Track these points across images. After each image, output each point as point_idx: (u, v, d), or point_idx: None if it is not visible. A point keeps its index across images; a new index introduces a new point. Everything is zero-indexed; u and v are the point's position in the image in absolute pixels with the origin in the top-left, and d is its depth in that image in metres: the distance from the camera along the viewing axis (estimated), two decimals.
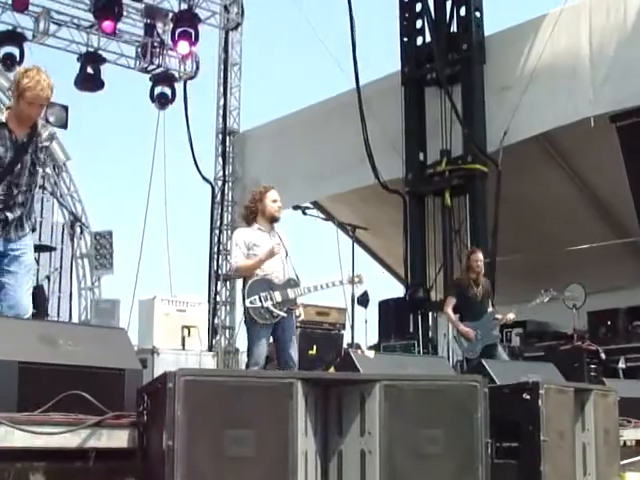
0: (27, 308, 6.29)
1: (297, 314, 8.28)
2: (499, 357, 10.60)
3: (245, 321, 8.15)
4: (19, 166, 6.15)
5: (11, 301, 6.21)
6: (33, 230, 6.46)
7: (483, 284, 10.98)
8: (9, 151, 6.09)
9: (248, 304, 7.97)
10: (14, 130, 6.13)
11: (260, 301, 7.96)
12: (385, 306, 15.11)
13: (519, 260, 14.47)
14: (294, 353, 8.13)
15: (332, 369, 8.72)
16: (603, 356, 12.43)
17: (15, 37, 15.64)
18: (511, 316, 10.90)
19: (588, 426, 5.81)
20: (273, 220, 8.28)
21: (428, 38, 15.25)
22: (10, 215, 6.18)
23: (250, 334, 8.11)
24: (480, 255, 11.04)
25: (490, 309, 10.92)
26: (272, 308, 7.95)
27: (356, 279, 8.73)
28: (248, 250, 8.10)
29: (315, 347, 12.34)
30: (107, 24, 15.67)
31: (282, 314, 7.98)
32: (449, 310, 11.00)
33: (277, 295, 8.00)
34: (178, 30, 16.33)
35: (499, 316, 10.84)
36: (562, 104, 13.19)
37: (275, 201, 8.27)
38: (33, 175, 6.28)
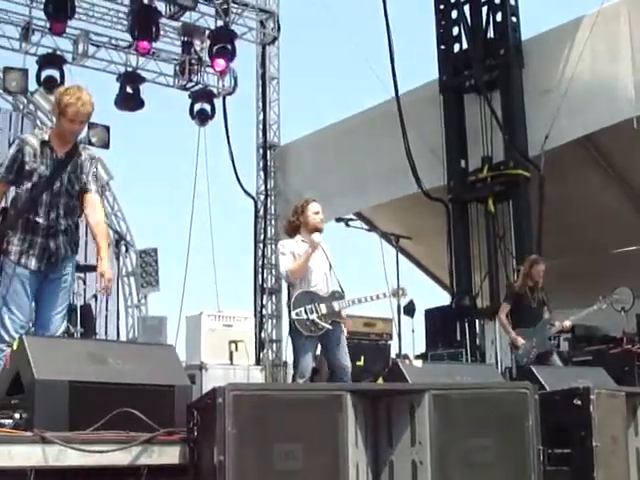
0: (58, 329, 6.33)
1: (344, 327, 8.27)
2: (554, 365, 10.51)
3: (290, 333, 8.17)
4: (58, 184, 6.20)
5: (42, 320, 6.27)
6: (74, 253, 6.50)
7: (539, 291, 10.89)
8: (49, 168, 6.16)
9: (294, 316, 7.99)
10: (56, 149, 6.21)
11: (305, 313, 7.96)
12: (431, 315, 15.05)
13: (565, 264, 14.37)
14: (345, 360, 8.12)
15: (380, 380, 8.70)
16: None
17: (55, 60, 15.80)
18: (567, 323, 10.82)
19: None
20: (316, 232, 8.29)
21: (465, 45, 15.21)
22: (52, 244, 6.23)
23: (296, 346, 8.12)
24: (543, 266, 10.95)
25: (546, 316, 10.81)
26: (317, 320, 7.95)
27: (400, 292, 8.69)
28: (294, 259, 8.13)
29: (362, 358, 12.32)
30: (143, 44, 15.80)
31: (327, 326, 7.98)
32: (502, 316, 10.93)
33: (322, 307, 8.00)
34: (215, 47, 16.43)
35: (556, 323, 10.74)
36: (603, 106, 13.10)
37: (317, 213, 8.29)
38: (72, 197, 6.32)
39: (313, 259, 8.10)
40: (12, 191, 6.32)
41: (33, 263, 6.17)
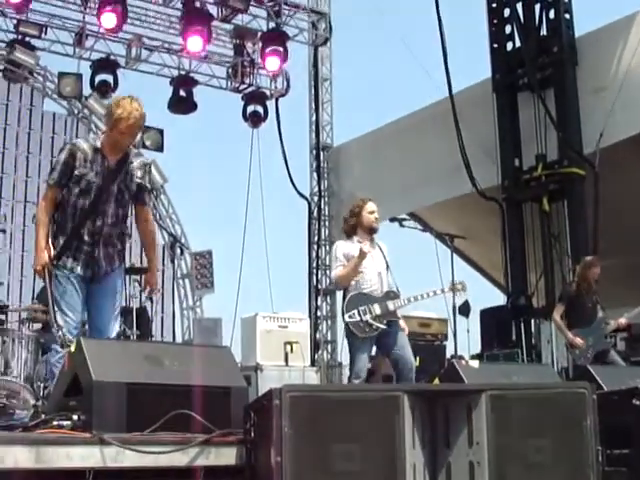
0: (113, 330, 6.38)
1: (402, 326, 8.26)
2: (614, 362, 10.50)
3: (346, 335, 8.18)
4: (107, 192, 6.24)
5: (95, 325, 6.32)
6: (121, 262, 6.56)
7: (594, 290, 10.88)
8: (98, 176, 6.20)
9: (347, 318, 8.01)
10: (107, 156, 6.25)
11: (359, 315, 7.97)
12: (487, 315, 14.96)
13: (621, 264, 14.23)
14: (409, 356, 8.11)
15: (436, 380, 8.65)
16: None
17: (108, 64, 15.95)
18: (623, 321, 10.76)
19: None
20: (372, 231, 8.32)
21: (518, 43, 15.10)
22: (97, 252, 6.28)
23: (351, 348, 8.15)
24: (598, 269, 10.96)
25: (600, 314, 10.77)
26: (371, 321, 7.96)
27: (458, 286, 8.65)
28: (348, 262, 8.14)
29: (418, 359, 12.27)
30: (194, 41, 15.76)
31: (382, 326, 7.98)
32: (557, 317, 10.93)
33: (376, 308, 8.00)
34: (267, 49, 16.48)
35: (611, 321, 10.70)
36: None
37: (372, 212, 8.31)
38: (121, 206, 6.37)
39: (367, 260, 8.10)
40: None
41: (79, 269, 6.23)
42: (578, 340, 10.55)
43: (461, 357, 10.28)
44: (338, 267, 8.18)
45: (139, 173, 6.45)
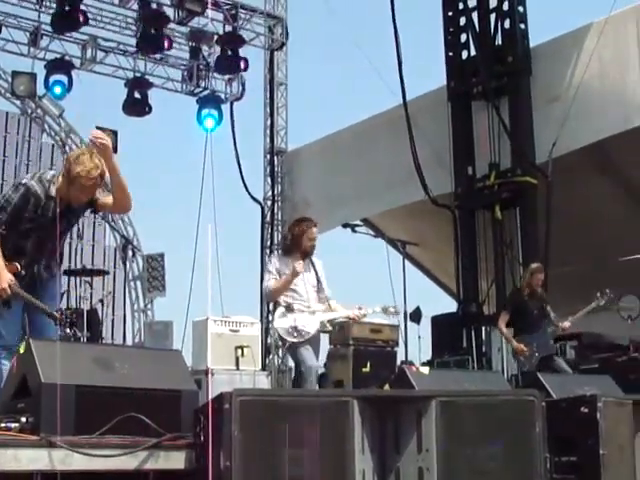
0: (54, 334, 6.26)
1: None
2: (558, 368, 10.56)
3: (282, 345, 8.27)
4: (49, 236, 6.03)
5: (36, 325, 6.17)
6: (59, 267, 6.43)
7: (539, 296, 10.95)
8: (43, 225, 5.97)
9: (276, 325, 8.12)
10: (58, 202, 5.94)
11: (288, 323, 8.08)
12: (438, 321, 15.01)
13: (572, 272, 14.35)
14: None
15: (387, 386, 8.68)
16: None
17: (63, 65, 15.86)
18: (566, 324, 10.82)
19: None
20: (306, 256, 8.35)
21: (473, 52, 15.20)
22: (36, 267, 6.14)
23: (290, 352, 8.26)
24: (542, 275, 11.06)
25: (546, 320, 10.85)
26: (300, 327, 8.05)
27: (391, 309, 8.54)
28: (279, 277, 8.19)
29: (369, 364, 12.32)
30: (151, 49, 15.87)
31: (310, 332, 8.09)
32: (502, 325, 11.00)
33: (303, 319, 8.10)
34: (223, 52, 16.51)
35: (559, 324, 10.81)
36: (611, 114, 13.09)
37: (312, 239, 8.34)
38: (61, 242, 6.24)
39: (299, 278, 8.15)
40: None
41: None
42: (522, 347, 10.62)
43: (411, 363, 10.31)
44: (270, 280, 8.23)
45: (87, 211, 6.34)
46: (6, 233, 5.95)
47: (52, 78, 15.69)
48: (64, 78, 15.73)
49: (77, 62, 16.19)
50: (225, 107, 17.61)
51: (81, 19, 14.95)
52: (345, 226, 8.87)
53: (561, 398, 5.93)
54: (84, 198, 6.02)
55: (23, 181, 6.02)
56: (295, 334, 8.05)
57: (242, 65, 16.81)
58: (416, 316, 12.70)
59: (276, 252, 8.77)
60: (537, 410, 4.66)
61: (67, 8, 14.81)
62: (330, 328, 8.47)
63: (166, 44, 15.94)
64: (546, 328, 10.79)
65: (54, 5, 14.94)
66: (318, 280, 8.37)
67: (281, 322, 8.09)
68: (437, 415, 4.47)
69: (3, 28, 15.31)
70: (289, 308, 8.13)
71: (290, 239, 8.41)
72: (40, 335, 6.07)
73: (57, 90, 15.75)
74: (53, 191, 5.94)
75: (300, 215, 8.63)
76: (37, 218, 5.94)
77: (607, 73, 13.30)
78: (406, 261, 9.50)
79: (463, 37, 15.43)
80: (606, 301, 10.99)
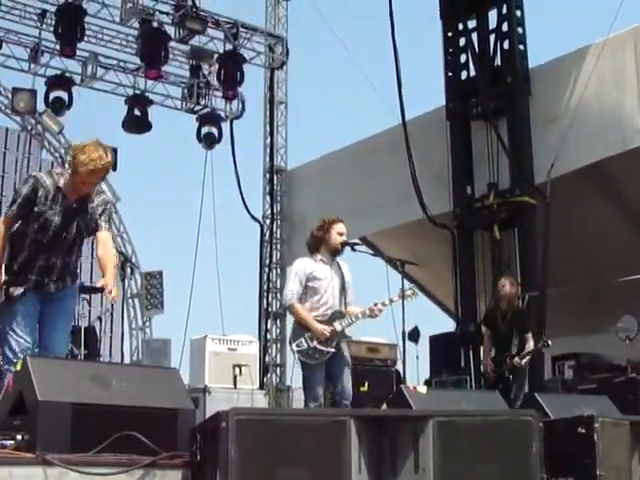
0: (62, 351, 6.31)
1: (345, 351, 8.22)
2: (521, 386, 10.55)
3: (298, 362, 8.12)
4: (65, 232, 6.16)
5: (45, 343, 6.22)
6: (74, 281, 6.47)
7: (511, 316, 10.76)
8: (57, 215, 6.10)
9: (295, 348, 7.93)
10: (68, 196, 6.13)
11: (306, 342, 7.90)
12: (436, 341, 14.99)
13: (570, 292, 14.35)
14: (347, 387, 8.06)
15: (384, 406, 8.66)
16: None
17: (64, 81, 15.89)
18: (518, 362, 10.41)
19: None
20: (336, 253, 8.27)
21: (473, 72, 15.24)
22: (47, 279, 6.20)
23: (304, 374, 8.07)
24: (508, 288, 10.79)
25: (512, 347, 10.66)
26: (320, 347, 7.90)
27: (408, 292, 8.37)
28: (307, 281, 8.06)
29: (366, 384, 12.29)
30: (153, 72, 15.95)
31: (331, 350, 7.93)
32: (484, 340, 11.09)
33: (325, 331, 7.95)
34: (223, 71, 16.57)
35: (515, 360, 10.45)
36: (610, 134, 13.12)
37: (341, 234, 8.25)
38: (77, 243, 6.31)
39: (326, 282, 8.08)
40: None
41: (29, 293, 6.14)
42: (488, 364, 10.72)
43: (401, 381, 10.31)
44: (295, 285, 8.07)
45: (100, 210, 6.33)
46: (23, 228, 6.13)
47: (53, 94, 15.70)
48: (64, 95, 15.76)
49: (77, 79, 16.23)
50: (225, 125, 17.66)
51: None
52: (344, 244, 8.84)
53: (559, 418, 5.92)
54: (86, 189, 6.13)
55: (33, 173, 6.23)
56: (317, 355, 7.96)
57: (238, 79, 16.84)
58: (414, 336, 12.68)
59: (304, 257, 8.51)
60: (534, 430, 4.64)
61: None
62: (349, 337, 8.37)
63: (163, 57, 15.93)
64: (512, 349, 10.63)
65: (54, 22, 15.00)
66: (343, 284, 8.30)
67: (299, 344, 7.96)
68: (434, 435, 4.46)
69: (4, 44, 15.37)
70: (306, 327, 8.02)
71: (317, 232, 8.28)
72: (47, 351, 6.12)
73: None
74: (61, 182, 6.10)
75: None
76: (47, 211, 6.06)
77: (605, 94, 13.34)
78: (405, 280, 9.47)
79: (463, 58, 15.47)
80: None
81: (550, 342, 10.51)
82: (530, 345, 10.57)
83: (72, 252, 6.32)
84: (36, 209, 6.05)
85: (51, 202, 6.07)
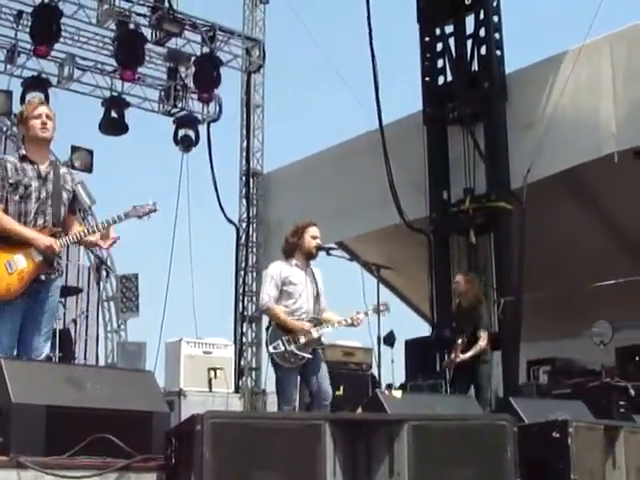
0: (41, 353, 6.30)
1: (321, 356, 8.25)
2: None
3: (272, 365, 8.14)
4: (44, 193, 6.26)
5: (25, 344, 6.20)
6: (60, 274, 6.47)
7: (464, 310, 10.87)
8: (33, 180, 6.22)
9: (272, 349, 7.96)
10: (35, 162, 6.28)
11: (283, 344, 7.92)
12: (411, 345, 15.00)
13: (545, 297, 14.39)
14: (325, 385, 8.09)
15: (360, 410, 8.67)
16: (632, 392, 12.27)
17: (40, 83, 15.80)
18: (463, 356, 10.57)
19: (619, 464, 5.74)
20: (310, 257, 8.30)
21: (450, 77, 15.28)
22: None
23: (278, 378, 8.09)
24: (458, 276, 11.05)
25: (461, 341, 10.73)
26: (297, 351, 7.92)
27: (381, 307, 8.60)
28: (283, 285, 8.10)
29: (342, 388, 12.29)
30: (128, 73, 15.89)
31: (307, 355, 7.96)
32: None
33: (301, 337, 7.97)
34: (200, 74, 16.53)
35: (460, 355, 10.60)
36: (585, 140, 13.17)
37: (315, 237, 8.29)
38: (60, 206, 6.34)
39: (300, 287, 8.12)
40: None
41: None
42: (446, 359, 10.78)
43: (389, 387, 10.32)
44: (271, 288, 8.12)
45: (69, 178, 6.49)
46: (7, 207, 6.18)
47: (29, 95, 15.60)
48: (41, 96, 15.66)
49: (54, 80, 16.16)
50: (202, 128, 17.63)
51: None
52: (320, 249, 8.84)
53: (533, 423, 5.95)
54: (41, 126, 6.27)
55: None
56: (292, 359, 7.99)
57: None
58: (390, 340, 12.68)
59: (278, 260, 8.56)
60: (509, 435, 4.66)
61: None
62: (325, 345, 8.42)
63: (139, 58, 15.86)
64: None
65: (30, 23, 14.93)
66: (317, 290, 8.32)
67: (276, 347, 7.99)
68: (409, 439, 4.47)
69: None
70: (284, 329, 8.05)
71: (292, 237, 8.33)
72: (29, 351, 6.11)
73: None
74: (23, 152, 6.32)
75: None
76: (22, 179, 6.19)
77: (581, 100, 13.39)
78: (380, 285, 9.48)
79: (440, 62, 15.49)
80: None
81: None
82: (481, 344, 10.56)
83: (58, 221, 6.33)
84: (11, 181, 6.16)
85: (22, 171, 6.21)
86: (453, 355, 10.61)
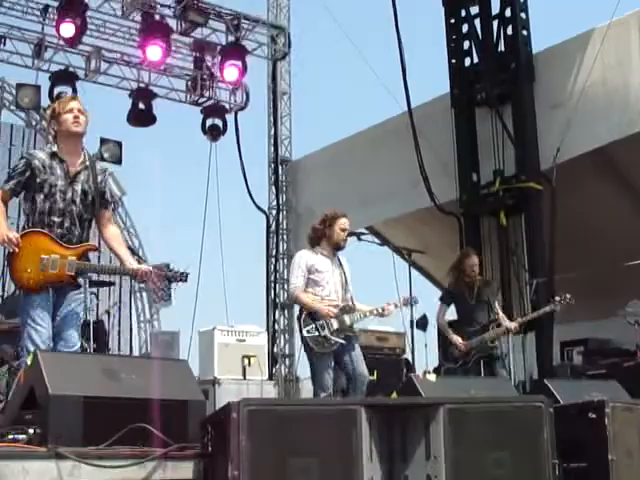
0: (75, 344, 6.35)
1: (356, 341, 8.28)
2: (496, 374, 10.02)
3: (305, 350, 8.17)
4: (70, 193, 6.28)
5: (59, 336, 6.25)
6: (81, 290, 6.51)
7: (483, 289, 10.40)
8: (60, 179, 6.25)
9: (305, 333, 8.01)
10: (65, 159, 6.31)
11: (317, 329, 7.97)
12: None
13: (578, 278, 14.32)
14: (361, 366, 8.12)
15: (394, 394, 8.67)
16: None
17: (67, 76, 15.84)
18: (513, 325, 10.13)
19: None
20: (338, 248, 8.32)
21: (476, 59, 15.21)
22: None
23: (312, 363, 8.14)
24: (475, 259, 10.51)
25: (491, 315, 10.25)
26: (329, 336, 7.96)
27: (411, 300, 8.69)
28: (309, 274, 8.14)
29: (375, 373, 12.30)
30: (153, 50, 15.73)
31: (340, 341, 7.99)
32: (440, 318, 10.53)
33: (333, 322, 8.00)
34: (226, 62, 16.50)
35: (506, 324, 10.09)
36: (615, 118, 13.08)
37: (344, 230, 8.31)
38: (86, 207, 6.37)
39: (328, 275, 8.16)
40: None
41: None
42: (458, 340, 10.13)
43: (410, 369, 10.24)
44: (299, 278, 8.18)
45: (99, 177, 6.50)
46: (32, 205, 6.26)
47: (57, 89, 15.66)
48: (69, 89, 15.72)
49: (81, 73, 16.20)
50: (229, 117, 17.63)
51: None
52: (350, 234, 8.83)
53: (569, 404, 5.92)
54: (73, 120, 6.32)
55: (27, 152, 6.58)
56: (325, 344, 8.02)
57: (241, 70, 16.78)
58: (422, 324, 12.64)
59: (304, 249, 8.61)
60: (545, 416, 4.65)
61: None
62: (357, 331, 8.46)
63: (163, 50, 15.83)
64: (488, 325, 10.16)
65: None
66: (345, 280, 8.35)
67: (310, 330, 8.05)
68: (445, 422, 4.46)
69: (7, 40, 15.34)
70: (315, 315, 8.09)
71: (319, 227, 8.37)
72: (63, 343, 6.17)
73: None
74: (55, 148, 6.34)
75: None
76: (49, 178, 6.23)
77: (610, 78, 13.29)
78: (412, 269, 9.47)
79: (466, 44, 15.42)
80: (563, 304, 10.32)
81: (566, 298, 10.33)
82: (502, 315, 10.24)
83: (82, 223, 6.38)
84: (38, 180, 6.20)
85: (50, 169, 6.24)
86: (504, 324, 10.07)
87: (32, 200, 6.24)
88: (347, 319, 8.10)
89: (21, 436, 4.57)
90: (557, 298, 10.44)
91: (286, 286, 17.77)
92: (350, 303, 8.27)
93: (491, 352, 10.18)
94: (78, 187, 6.31)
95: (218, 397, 10.91)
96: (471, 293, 10.33)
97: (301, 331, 8.08)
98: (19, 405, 4.99)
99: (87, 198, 6.36)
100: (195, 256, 16.23)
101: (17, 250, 6.03)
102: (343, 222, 8.34)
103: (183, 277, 6.55)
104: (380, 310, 8.38)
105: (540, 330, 12.92)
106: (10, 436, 4.60)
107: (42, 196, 6.20)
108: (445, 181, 14.82)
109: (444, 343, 10.70)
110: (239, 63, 16.48)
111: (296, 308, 8.84)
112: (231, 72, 16.48)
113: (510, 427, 4.63)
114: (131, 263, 6.56)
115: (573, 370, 13.35)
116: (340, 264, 8.35)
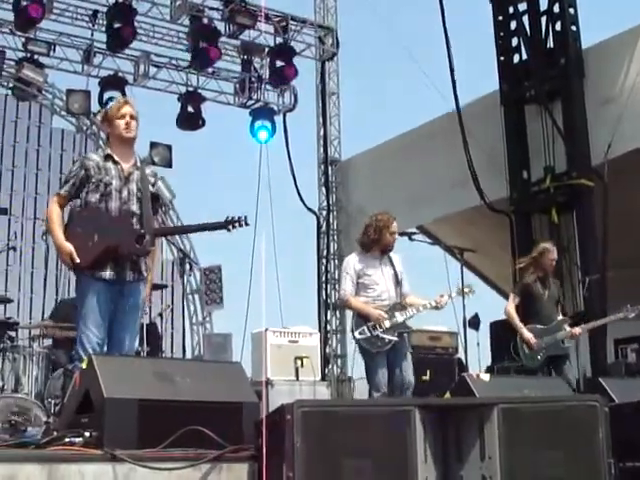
0: (130, 348, 6.39)
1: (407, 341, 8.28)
2: (564, 373, 9.55)
3: (360, 352, 8.20)
4: (126, 192, 6.34)
5: (114, 340, 6.30)
6: (145, 271, 6.53)
7: (552, 286, 10.05)
8: (115, 179, 6.32)
9: (357, 335, 8.05)
10: (119, 162, 6.38)
11: (369, 330, 8.00)
12: (497, 327, 14.87)
13: (631, 274, 14.19)
14: (408, 374, 8.12)
15: (447, 394, 8.65)
16: None
17: (117, 81, 16.00)
18: (578, 330, 9.80)
19: None
20: (387, 251, 8.34)
21: (525, 55, 15.12)
22: (123, 264, 6.30)
23: (367, 363, 8.17)
24: (556, 254, 10.13)
25: (560, 317, 9.91)
26: (382, 335, 7.98)
27: (466, 289, 8.63)
28: (358, 278, 8.18)
29: (428, 372, 12.27)
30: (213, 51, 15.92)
31: (394, 339, 8.00)
32: (511, 309, 10.00)
33: (385, 321, 8.01)
34: (275, 64, 16.60)
35: (567, 328, 9.75)
36: None
37: (394, 233, 8.34)
38: (143, 205, 6.40)
39: (378, 275, 8.18)
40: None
41: (107, 273, 6.23)
42: (531, 338, 9.69)
43: (463, 368, 10.16)
44: (347, 284, 8.22)
45: (152, 180, 6.60)
46: (87, 206, 6.31)
47: (107, 94, 15.79)
48: (118, 94, 15.84)
49: (130, 78, 16.34)
50: (278, 118, 17.68)
51: (128, 35, 15.07)
52: (402, 234, 8.83)
53: (624, 403, 5.87)
54: (126, 125, 6.40)
55: (82, 155, 6.76)
56: (379, 343, 8.04)
57: (292, 74, 16.85)
58: (475, 323, 12.61)
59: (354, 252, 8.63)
60: (600, 415, 4.61)
61: (118, 25, 14.99)
62: (410, 329, 8.46)
63: (213, 54, 15.94)
64: (562, 324, 9.79)
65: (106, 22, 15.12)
66: (396, 275, 8.36)
67: (362, 332, 8.07)
68: (499, 422, 4.44)
69: (57, 47, 15.52)
70: (366, 317, 8.11)
71: (372, 233, 8.36)
72: (119, 348, 6.22)
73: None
74: (108, 151, 6.44)
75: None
76: (104, 177, 6.31)
77: None
78: (464, 268, 9.44)
79: (514, 41, 15.35)
80: (636, 314, 9.79)
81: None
82: (576, 331, 9.85)
83: (142, 221, 6.40)
84: (93, 180, 6.28)
85: (104, 169, 6.32)
86: (569, 329, 9.76)
87: (86, 201, 6.29)
88: (399, 316, 8.11)
89: (77, 439, 4.62)
90: (629, 305, 9.94)
91: (337, 286, 17.80)
92: (401, 300, 8.27)
93: (562, 353, 9.80)
94: (133, 186, 6.38)
95: (271, 398, 10.93)
96: (544, 289, 9.96)
97: (353, 333, 8.11)
98: (75, 408, 5.04)
99: (144, 196, 6.42)
100: (247, 258, 16.28)
101: (78, 261, 6.11)
102: (394, 226, 8.36)
103: (244, 221, 6.51)
104: (433, 303, 8.35)
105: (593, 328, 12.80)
106: (66, 439, 4.65)
107: (98, 195, 6.26)
108: (494, 179, 14.76)
109: (513, 337, 10.36)
110: (290, 64, 16.57)
111: (349, 310, 8.85)
112: (284, 73, 16.59)
113: (565, 427, 4.60)
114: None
115: (627, 368, 13.25)
116: (390, 261, 8.36)
